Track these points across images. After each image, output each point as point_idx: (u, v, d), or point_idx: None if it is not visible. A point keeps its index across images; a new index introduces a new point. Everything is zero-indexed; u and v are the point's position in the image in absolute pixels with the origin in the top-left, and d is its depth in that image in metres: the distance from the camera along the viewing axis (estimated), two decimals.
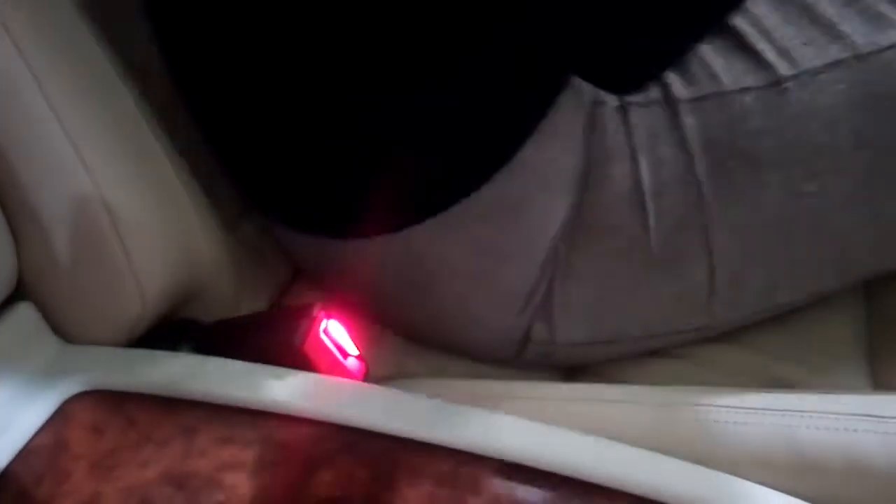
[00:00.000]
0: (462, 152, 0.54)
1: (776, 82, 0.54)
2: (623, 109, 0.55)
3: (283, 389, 0.49)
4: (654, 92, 0.55)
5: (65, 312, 0.52)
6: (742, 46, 0.55)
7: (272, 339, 0.52)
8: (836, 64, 0.53)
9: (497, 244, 0.55)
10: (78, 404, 0.49)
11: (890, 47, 0.53)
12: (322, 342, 0.51)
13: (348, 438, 0.46)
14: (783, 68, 0.54)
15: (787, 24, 0.56)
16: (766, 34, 0.55)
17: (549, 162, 0.54)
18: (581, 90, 0.55)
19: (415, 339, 0.63)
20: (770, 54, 0.55)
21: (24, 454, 0.46)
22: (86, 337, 0.53)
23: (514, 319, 0.58)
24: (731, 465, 0.49)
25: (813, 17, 0.55)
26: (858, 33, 0.54)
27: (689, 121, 0.54)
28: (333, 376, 0.51)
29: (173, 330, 0.55)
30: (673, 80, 0.55)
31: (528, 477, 0.44)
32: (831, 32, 0.54)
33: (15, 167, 0.49)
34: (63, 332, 0.53)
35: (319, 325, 0.51)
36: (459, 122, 0.53)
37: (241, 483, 0.45)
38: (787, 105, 0.54)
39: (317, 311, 0.51)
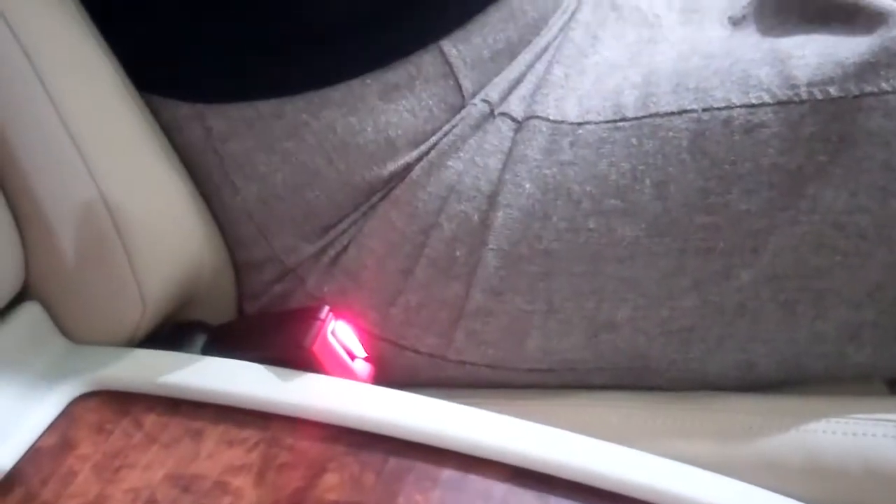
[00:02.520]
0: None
1: (618, 120, 0.53)
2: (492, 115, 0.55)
3: (291, 390, 0.48)
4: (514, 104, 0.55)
5: (70, 313, 0.52)
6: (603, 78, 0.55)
7: (280, 341, 0.51)
8: (683, 113, 0.52)
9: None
10: (84, 405, 0.49)
11: (741, 106, 0.51)
12: (330, 343, 0.50)
13: (356, 441, 0.46)
14: (631, 111, 0.53)
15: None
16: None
17: (393, 110, 0.53)
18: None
19: None
20: (629, 97, 0.53)
21: (31, 454, 0.46)
22: (90, 337, 0.52)
23: None
24: (746, 470, 0.49)
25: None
26: (722, 87, 0.52)
27: (517, 136, 0.54)
28: (341, 378, 0.50)
29: (180, 331, 0.55)
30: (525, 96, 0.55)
31: (541, 484, 0.44)
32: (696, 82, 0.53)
33: (24, 170, 0.49)
34: (69, 332, 0.53)
35: (328, 327, 0.50)
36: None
37: (247, 486, 0.44)
38: (612, 142, 0.52)
39: (325, 313, 0.51)
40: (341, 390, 0.48)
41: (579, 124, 0.53)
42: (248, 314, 0.59)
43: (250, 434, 0.46)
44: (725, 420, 0.50)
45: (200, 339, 0.54)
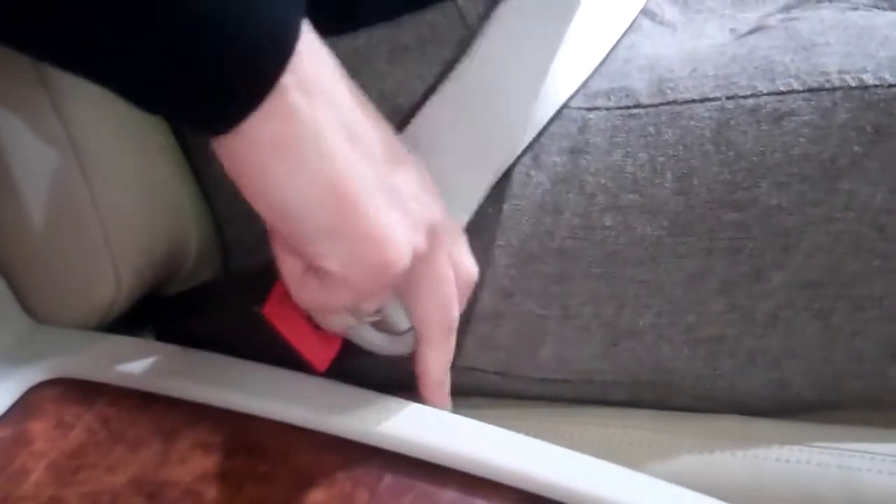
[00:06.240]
0: None
1: (631, 106, 0.49)
2: None
3: (277, 392, 0.43)
4: None
5: (35, 288, 0.47)
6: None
7: (230, 305, 0.46)
8: (705, 101, 0.48)
9: None
10: (44, 393, 0.44)
11: (768, 94, 0.47)
12: (288, 304, 0.42)
13: (349, 453, 0.41)
14: (646, 97, 0.49)
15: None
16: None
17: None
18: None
19: None
20: (639, 81, 0.50)
21: None
22: (57, 317, 0.48)
23: None
24: None
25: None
26: (744, 74, 0.48)
27: None
28: (305, 349, 0.44)
29: (137, 309, 0.50)
30: None
31: None
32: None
33: None
34: (33, 310, 0.48)
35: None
36: None
37: (223, 498, 0.39)
38: (627, 131, 0.48)
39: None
40: (335, 395, 0.43)
41: (588, 109, 0.49)
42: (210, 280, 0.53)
43: (230, 439, 0.41)
44: (759, 450, 0.46)
45: (155, 315, 0.50)
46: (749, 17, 0.58)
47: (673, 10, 0.59)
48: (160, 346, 0.46)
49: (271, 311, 0.43)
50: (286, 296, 0.42)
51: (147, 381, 0.44)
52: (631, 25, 0.55)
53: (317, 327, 0.44)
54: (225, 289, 0.51)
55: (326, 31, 0.47)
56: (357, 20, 0.48)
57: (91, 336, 0.47)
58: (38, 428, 0.42)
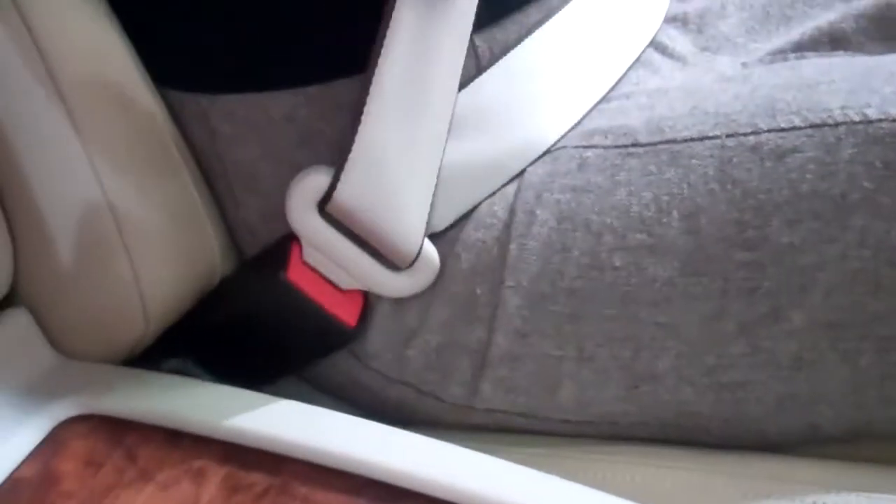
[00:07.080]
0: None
1: (629, 145, 0.48)
2: None
3: (308, 430, 0.43)
4: None
5: (62, 323, 0.47)
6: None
7: (253, 286, 0.47)
8: (704, 139, 0.48)
9: None
10: (72, 430, 0.44)
11: (769, 131, 0.47)
12: (308, 268, 0.45)
13: (380, 495, 0.40)
14: (644, 135, 0.48)
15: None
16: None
17: None
18: None
19: None
20: (637, 119, 0.49)
21: (9, 485, 0.41)
22: (83, 352, 0.47)
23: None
24: None
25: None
26: (745, 112, 0.48)
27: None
28: (335, 307, 0.46)
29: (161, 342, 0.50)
30: None
31: None
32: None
33: (22, 165, 0.44)
34: (59, 345, 0.47)
35: (299, 250, 0.45)
36: None
37: None
38: (628, 170, 0.48)
39: (291, 240, 0.46)
40: (366, 434, 0.43)
41: (585, 147, 0.49)
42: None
43: (259, 479, 0.41)
44: (794, 492, 0.45)
45: (184, 341, 0.50)
46: (762, 48, 0.57)
47: (685, 40, 0.58)
48: (188, 381, 0.46)
49: (295, 275, 0.45)
50: (304, 262, 0.45)
51: (175, 417, 0.43)
52: (640, 59, 0.55)
53: (336, 286, 0.47)
54: (243, 271, 0.51)
55: (339, 71, 0.47)
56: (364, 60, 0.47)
57: (119, 371, 0.47)
58: (67, 467, 0.42)
